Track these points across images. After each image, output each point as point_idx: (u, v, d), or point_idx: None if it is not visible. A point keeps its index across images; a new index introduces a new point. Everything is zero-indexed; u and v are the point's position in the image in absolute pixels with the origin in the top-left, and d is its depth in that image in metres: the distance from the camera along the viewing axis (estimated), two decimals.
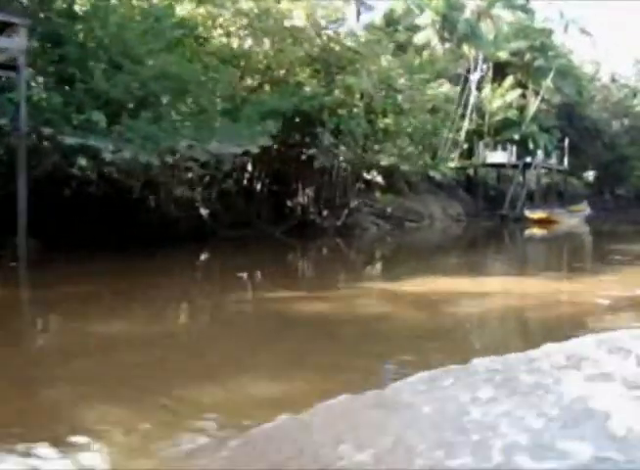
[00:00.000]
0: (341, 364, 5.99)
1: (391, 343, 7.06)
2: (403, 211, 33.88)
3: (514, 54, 47.62)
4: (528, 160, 42.88)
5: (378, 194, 30.39)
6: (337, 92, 20.49)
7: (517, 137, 46.82)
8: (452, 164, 46.34)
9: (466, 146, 45.65)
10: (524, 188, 41.06)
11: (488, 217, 39.34)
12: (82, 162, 14.20)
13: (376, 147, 22.43)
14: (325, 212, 24.17)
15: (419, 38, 39.96)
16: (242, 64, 19.52)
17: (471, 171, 44.87)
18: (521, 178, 43.07)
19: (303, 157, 21.72)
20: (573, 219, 39.83)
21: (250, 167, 24.58)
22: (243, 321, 8.59)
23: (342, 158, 24.52)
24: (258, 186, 24.09)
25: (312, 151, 21.07)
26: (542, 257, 19.91)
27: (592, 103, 62.66)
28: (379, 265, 15.95)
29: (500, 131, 47.01)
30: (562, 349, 5.55)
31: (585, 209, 42.83)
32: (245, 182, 24.29)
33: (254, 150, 17.07)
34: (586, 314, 8.63)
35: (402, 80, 22.45)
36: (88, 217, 15.86)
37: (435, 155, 40.40)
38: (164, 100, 16.87)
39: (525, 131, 47.33)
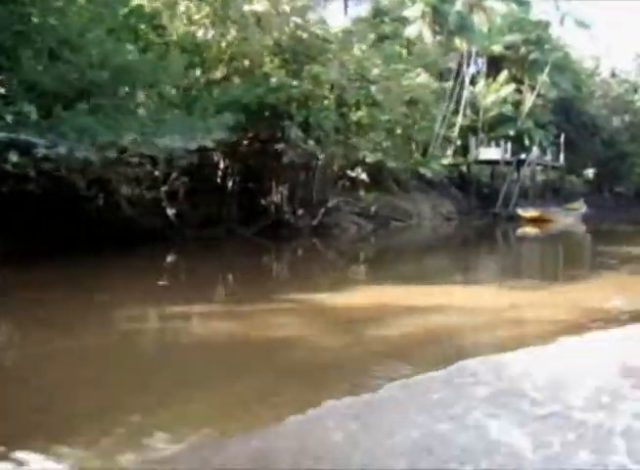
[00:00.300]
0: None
1: (266, 379, 5.79)
2: (390, 210, 32.66)
3: (508, 47, 46.33)
4: (523, 156, 41.55)
5: (362, 192, 29.16)
6: (305, 83, 19.18)
7: (512, 133, 45.58)
8: (446, 162, 45.24)
9: (459, 143, 44.45)
10: (517, 185, 39.70)
11: (481, 216, 38.11)
12: (14, 158, 12.97)
13: (353, 141, 21.03)
14: (300, 212, 22.93)
15: (409, 31, 38.71)
16: (205, 54, 18.26)
17: (464, 169, 43.61)
18: (515, 175, 41.73)
19: (276, 153, 20.47)
20: (569, 218, 38.52)
21: (222, 164, 23.40)
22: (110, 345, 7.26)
23: (322, 154, 23.36)
24: (230, 184, 22.87)
25: (280, 146, 19.81)
26: (524, 261, 18.60)
27: (592, 99, 61.34)
28: (336, 272, 14.61)
29: (495, 127, 45.75)
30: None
31: (581, 207, 41.53)
32: (217, 180, 23.09)
33: (209, 144, 15.85)
34: (523, 338, 7.26)
35: (376, 71, 21.10)
36: (28, 216, 14.70)
37: (426, 151, 39.20)
38: (122, 91, 15.74)
39: (521, 127, 46.08)
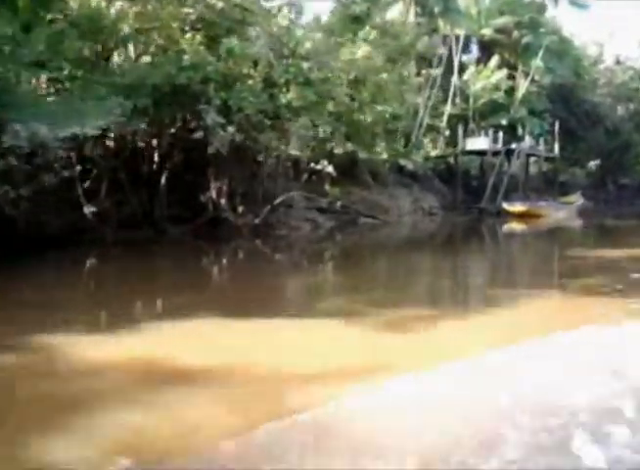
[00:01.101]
0: None
1: None
2: (364, 206, 29.94)
3: (500, 31, 43.33)
4: (514, 146, 38.56)
5: (327, 186, 26.48)
6: (224, 61, 16.38)
7: (504, 122, 42.69)
8: (433, 153, 42.43)
9: (448, 133, 41.61)
10: (506, 178, 36.73)
11: (466, 211, 35.21)
12: None
13: (289, 125, 18.10)
14: (240, 209, 20.24)
15: (390, 13, 35.97)
16: (107, 30, 15.54)
17: (451, 160, 40.73)
18: (505, 166, 38.74)
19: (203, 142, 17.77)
20: (562, 212, 35.59)
21: (156, 157, 20.79)
22: None
23: (279, 145, 20.70)
24: (163, 179, 20.25)
25: (200, 134, 17.13)
26: (471, 271, 15.07)
27: (595, 87, 58.27)
28: (208, 292, 11.62)
29: (486, 116, 42.83)
30: None
31: (578, 200, 38.55)
32: (147, 173, 20.51)
33: (92, 132, 13.23)
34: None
35: (308, 44, 18.18)
36: None
37: (408, 142, 36.40)
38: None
39: (514, 116, 43.14)
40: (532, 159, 43.34)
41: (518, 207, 32.18)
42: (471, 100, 42.45)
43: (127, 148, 18.27)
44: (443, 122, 41.99)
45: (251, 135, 17.48)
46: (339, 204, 26.36)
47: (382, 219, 29.11)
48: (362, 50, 19.38)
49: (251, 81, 16.98)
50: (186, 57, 16.02)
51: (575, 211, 37.47)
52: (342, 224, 25.37)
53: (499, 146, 38.65)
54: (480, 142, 37.39)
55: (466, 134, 40.80)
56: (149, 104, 14.88)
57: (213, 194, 20.11)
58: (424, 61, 39.52)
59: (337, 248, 20.08)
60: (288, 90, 17.51)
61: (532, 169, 44.21)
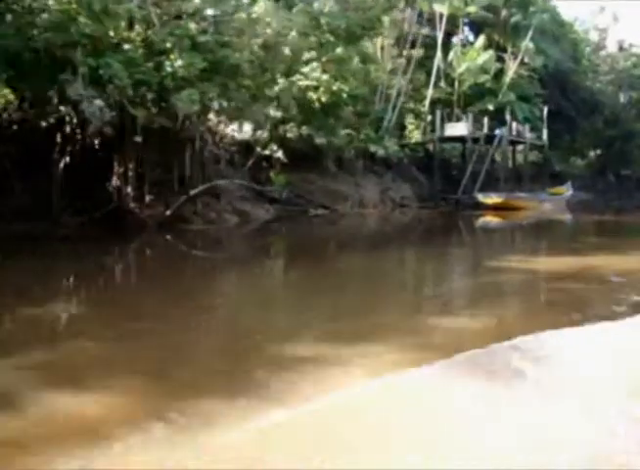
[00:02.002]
0: None
1: None
2: (323, 195, 27.05)
3: (486, 9, 40.05)
4: (498, 132, 35.43)
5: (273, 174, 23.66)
6: (94, 20, 13.37)
7: (491, 107, 39.51)
8: (414, 140, 39.41)
9: (431, 118, 38.45)
10: (484, 167, 33.62)
11: (440, 202, 32.15)
12: None
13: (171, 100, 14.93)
14: (148, 198, 17.36)
15: None
16: None
17: (431, 147, 37.62)
18: (486, 154, 35.62)
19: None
20: (546, 205, 32.52)
21: (58, 138, 17.98)
22: None
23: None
24: (62, 164, 17.44)
25: (64, 109, 14.24)
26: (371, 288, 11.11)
27: (596, 73, 55.07)
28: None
29: (473, 101, 39.64)
30: None
31: (567, 191, 35.46)
32: (44, 159, 17.71)
33: None
34: None
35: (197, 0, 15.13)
36: None
37: (379, 127, 33.38)
38: None
39: (502, 101, 39.94)
40: (521, 147, 40.15)
41: (493, 198, 29.17)
42: (456, 83, 39.37)
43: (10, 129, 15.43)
44: (425, 107, 38.96)
45: (129, 112, 14.53)
46: (284, 193, 23.50)
47: (339, 211, 26.19)
48: (259, 6, 16.16)
49: (128, 46, 14.02)
50: (45, 16, 13.02)
51: (564, 204, 34.39)
52: (284, 216, 22.44)
53: (483, 132, 35.55)
54: (459, 128, 34.25)
55: (450, 120, 37.82)
56: (11, 74, 12.01)
57: (117, 181, 17.26)
58: (405, 42, 36.52)
59: (249, 248, 16.75)
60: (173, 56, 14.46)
61: (521, 158, 40.94)
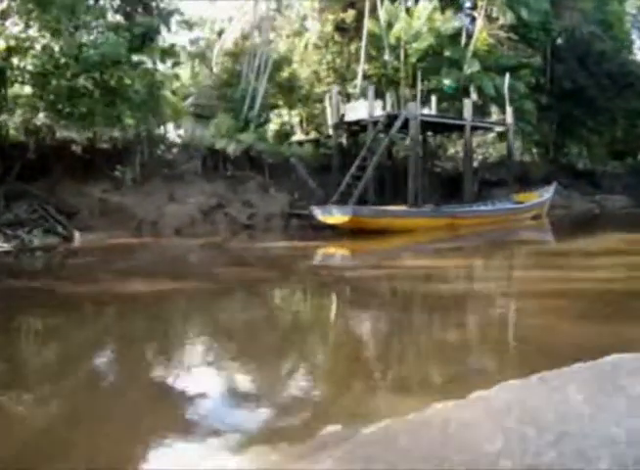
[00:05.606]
0: None
1: None
2: (96, 213, 17.71)
3: None
4: (403, 112, 23.57)
5: None
6: None
7: (449, 83, 28.89)
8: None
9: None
10: (371, 164, 22.08)
11: (296, 218, 21.00)
12: None
13: None
14: None
15: None
16: None
17: (343, 141, 26.96)
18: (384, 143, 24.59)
19: None
20: (510, 217, 21.90)
21: None
22: None
23: None
24: None
25: None
26: None
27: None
28: None
29: (428, 76, 29.04)
30: None
31: (538, 197, 24.32)
32: None
33: None
34: None
35: None
36: None
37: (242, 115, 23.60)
38: None
39: (467, 74, 29.23)
40: (492, 135, 29.18)
41: (335, 215, 18.25)
42: (402, 55, 29.05)
43: None
44: (357, 88, 28.81)
45: None
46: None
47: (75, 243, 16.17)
48: None
49: None
50: None
51: (540, 213, 23.72)
52: None
53: (385, 112, 23.84)
54: (359, 110, 23.62)
55: (399, 103, 27.61)
56: None
57: None
58: None
59: None
60: None
61: (492, 150, 29.92)
